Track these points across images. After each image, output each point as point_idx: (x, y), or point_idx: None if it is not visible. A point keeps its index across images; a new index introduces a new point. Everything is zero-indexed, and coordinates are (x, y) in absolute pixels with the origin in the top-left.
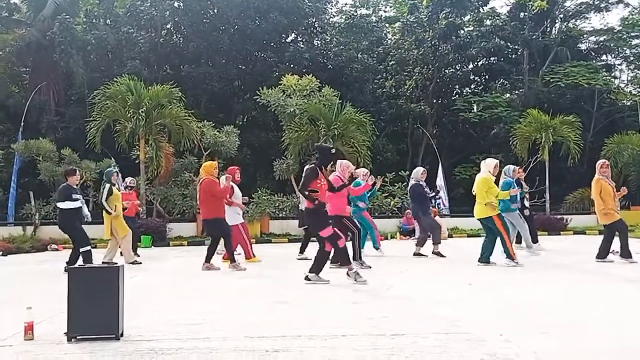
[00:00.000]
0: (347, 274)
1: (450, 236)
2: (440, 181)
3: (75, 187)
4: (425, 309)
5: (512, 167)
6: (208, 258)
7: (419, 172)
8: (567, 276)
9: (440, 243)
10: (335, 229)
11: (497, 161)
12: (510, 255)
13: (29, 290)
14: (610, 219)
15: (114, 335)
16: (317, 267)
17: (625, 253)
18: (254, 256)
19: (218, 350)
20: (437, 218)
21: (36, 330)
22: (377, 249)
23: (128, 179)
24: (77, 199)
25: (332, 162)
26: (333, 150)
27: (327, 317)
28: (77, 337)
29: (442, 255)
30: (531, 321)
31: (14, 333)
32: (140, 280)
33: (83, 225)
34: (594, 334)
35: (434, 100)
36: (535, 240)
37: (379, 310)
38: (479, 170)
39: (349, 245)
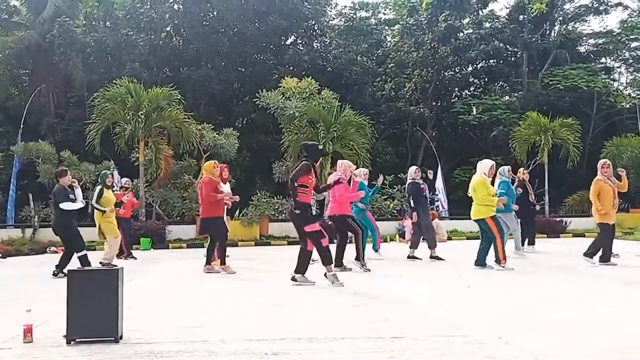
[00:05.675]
0: (325, 275)
1: (449, 239)
2: (439, 184)
3: (67, 188)
4: (425, 311)
5: (506, 167)
6: (208, 260)
7: (412, 171)
8: (566, 278)
9: (436, 246)
10: (321, 227)
11: (493, 162)
12: (499, 259)
13: (28, 292)
14: (604, 219)
15: (113, 338)
16: (302, 267)
17: (606, 258)
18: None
19: (217, 353)
20: (436, 220)
21: (35, 333)
22: (376, 251)
23: (123, 180)
24: (73, 200)
25: (319, 159)
26: (320, 146)
27: (327, 320)
28: (77, 340)
29: (441, 259)
30: (531, 323)
31: (13, 335)
32: (139, 282)
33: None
34: (594, 335)
35: (433, 103)
36: (532, 242)
37: (378, 313)
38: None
39: (337, 245)
